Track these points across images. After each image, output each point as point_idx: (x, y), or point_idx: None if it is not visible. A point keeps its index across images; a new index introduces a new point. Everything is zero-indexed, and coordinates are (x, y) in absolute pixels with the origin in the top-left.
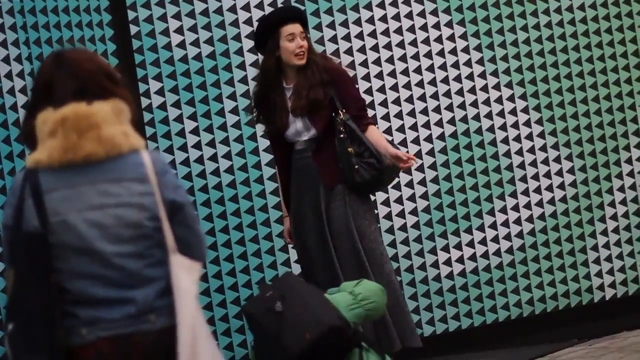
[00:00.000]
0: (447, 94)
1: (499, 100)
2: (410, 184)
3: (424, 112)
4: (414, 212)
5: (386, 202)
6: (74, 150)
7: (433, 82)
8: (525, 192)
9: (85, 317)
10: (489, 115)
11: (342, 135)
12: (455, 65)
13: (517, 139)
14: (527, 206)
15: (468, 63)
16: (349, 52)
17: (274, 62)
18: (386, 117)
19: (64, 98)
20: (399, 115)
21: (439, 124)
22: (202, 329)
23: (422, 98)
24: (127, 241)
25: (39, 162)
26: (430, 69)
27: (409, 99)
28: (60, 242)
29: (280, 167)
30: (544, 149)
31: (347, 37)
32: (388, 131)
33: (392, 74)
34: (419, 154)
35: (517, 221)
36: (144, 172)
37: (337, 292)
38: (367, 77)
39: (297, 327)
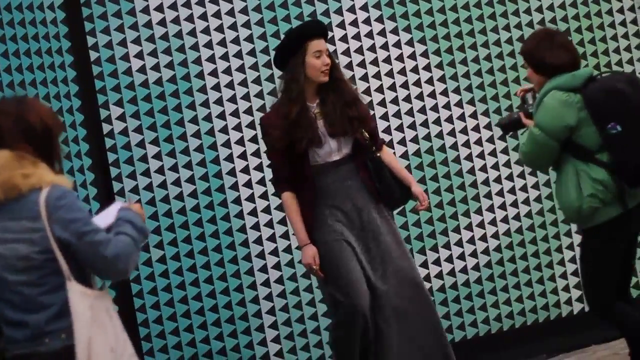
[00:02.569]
0: (397, 115)
1: (462, 117)
2: None
3: (387, 131)
4: None
5: None
6: None
7: (383, 103)
8: (490, 209)
9: (8, 336)
10: (452, 133)
11: (377, 155)
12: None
13: (481, 155)
14: (493, 222)
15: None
16: None
17: (299, 77)
18: None
19: None
20: None
21: (402, 143)
22: (100, 348)
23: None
24: (21, 271)
25: None
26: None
27: None
28: None
29: (291, 188)
30: (507, 165)
31: None
32: None
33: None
34: None
35: (483, 238)
36: (36, 210)
37: None
38: None
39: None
